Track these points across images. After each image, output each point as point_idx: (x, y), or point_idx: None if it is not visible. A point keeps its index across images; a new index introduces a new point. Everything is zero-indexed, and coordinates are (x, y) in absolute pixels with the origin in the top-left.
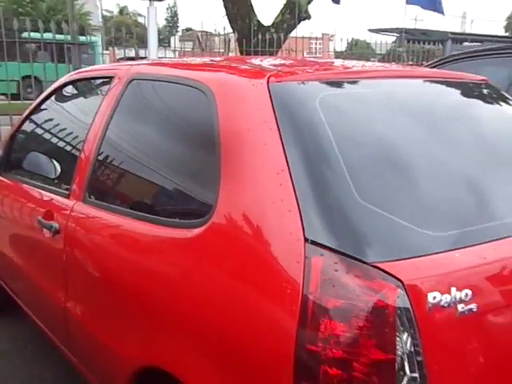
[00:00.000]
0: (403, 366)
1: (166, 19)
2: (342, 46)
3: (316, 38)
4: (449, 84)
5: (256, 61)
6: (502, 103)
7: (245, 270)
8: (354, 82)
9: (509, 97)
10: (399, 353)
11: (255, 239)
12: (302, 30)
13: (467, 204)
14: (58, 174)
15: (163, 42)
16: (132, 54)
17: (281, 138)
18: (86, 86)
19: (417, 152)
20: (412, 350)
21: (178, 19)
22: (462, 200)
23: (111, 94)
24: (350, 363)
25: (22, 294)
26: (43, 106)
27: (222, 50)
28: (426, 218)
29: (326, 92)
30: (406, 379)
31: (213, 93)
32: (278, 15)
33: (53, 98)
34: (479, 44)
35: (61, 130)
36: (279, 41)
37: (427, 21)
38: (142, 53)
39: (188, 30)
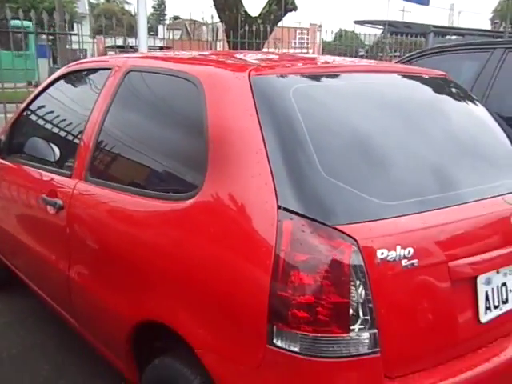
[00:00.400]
0: (357, 310)
1: (153, 7)
2: (329, 37)
3: (301, 29)
4: (411, 77)
5: (241, 55)
6: (457, 94)
7: (228, 234)
8: (324, 76)
9: (463, 89)
10: (354, 298)
11: (237, 208)
12: (291, 20)
13: (415, 179)
14: (58, 157)
15: (150, 30)
16: (120, 42)
17: (259, 123)
18: (85, 76)
19: (376, 135)
20: (364, 296)
21: (165, 7)
22: (411, 175)
23: (109, 83)
24: (314, 307)
25: (26, 268)
26: (44, 95)
27: (209, 39)
28: (379, 190)
29: (300, 84)
30: (359, 321)
31: (202, 84)
32: (265, 6)
33: (53, 86)
34: (461, 37)
35: (61, 117)
36: (266, 32)
37: (415, 12)
38: (129, 41)
39: (176, 18)
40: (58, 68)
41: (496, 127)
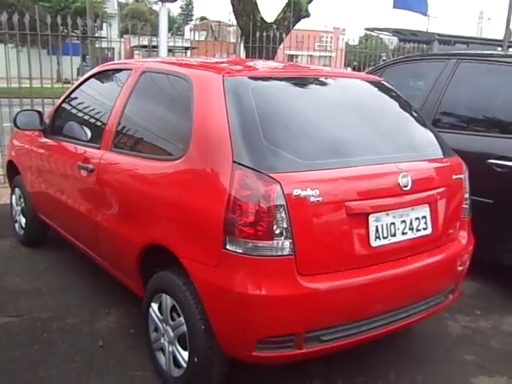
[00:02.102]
0: (280, 227)
1: (181, 7)
2: (353, 41)
3: (326, 32)
4: (349, 80)
5: (223, 62)
6: (385, 93)
7: (201, 181)
8: (276, 78)
9: (394, 90)
10: (278, 219)
11: (207, 164)
12: (315, 23)
13: (329, 147)
14: (89, 135)
15: (178, 30)
16: (145, 42)
17: (226, 108)
18: (112, 75)
19: (304, 117)
20: (284, 217)
21: (192, 7)
22: (327, 145)
23: (129, 81)
24: (252, 224)
25: (63, 222)
26: (79, 89)
27: (234, 41)
28: (300, 153)
29: (256, 83)
30: (280, 234)
31: (192, 81)
32: (280, 13)
33: (88, 82)
34: (465, 46)
35: (92, 106)
36: (281, 38)
37: (441, 18)
38: (155, 41)
39: (202, 18)
40: (87, 66)
41: (412, 119)
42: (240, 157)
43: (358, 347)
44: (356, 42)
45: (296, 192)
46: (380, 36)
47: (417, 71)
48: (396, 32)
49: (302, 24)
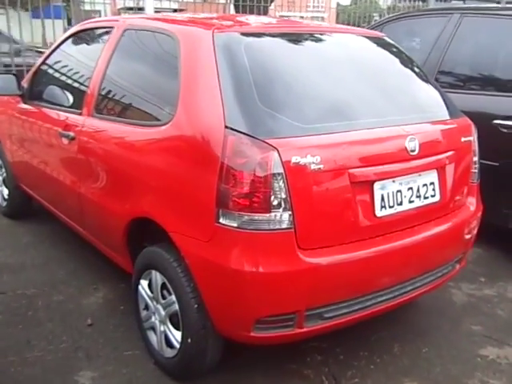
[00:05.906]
0: (278, 197)
1: None
2: (346, 1)
3: None
4: (352, 36)
5: (213, 18)
6: (390, 50)
7: (190, 148)
8: (271, 34)
9: (397, 47)
10: (276, 189)
11: (196, 129)
12: None
13: (330, 109)
14: (70, 100)
15: None
16: (131, 3)
17: (217, 67)
18: (92, 34)
19: (301, 77)
20: (282, 187)
21: None
22: (327, 107)
23: (111, 40)
24: (248, 195)
25: (47, 194)
26: (58, 50)
27: (223, 2)
28: (299, 116)
29: (250, 40)
30: (279, 205)
31: (178, 38)
32: None
33: (66, 43)
34: (461, 2)
35: (73, 68)
36: None
37: None
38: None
39: None
40: None
41: (417, 78)
42: (233, 121)
43: (361, 323)
44: (348, 3)
45: (295, 159)
46: None
47: (417, 28)
48: None
49: None
